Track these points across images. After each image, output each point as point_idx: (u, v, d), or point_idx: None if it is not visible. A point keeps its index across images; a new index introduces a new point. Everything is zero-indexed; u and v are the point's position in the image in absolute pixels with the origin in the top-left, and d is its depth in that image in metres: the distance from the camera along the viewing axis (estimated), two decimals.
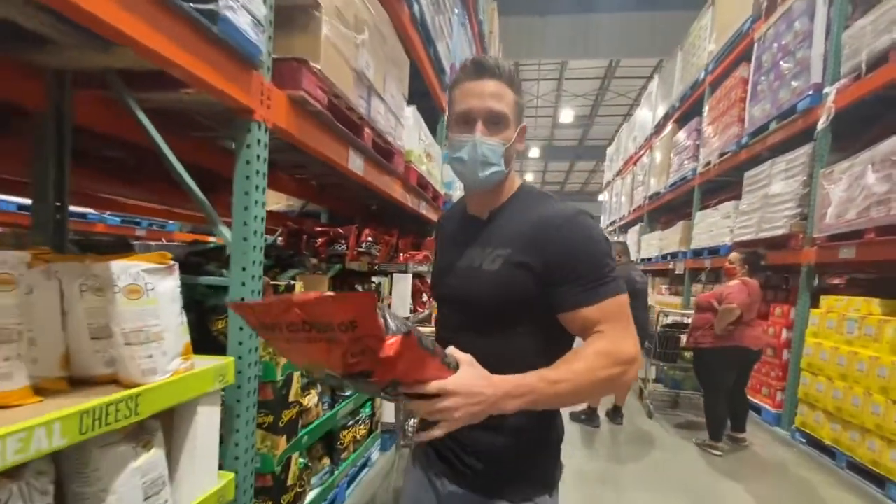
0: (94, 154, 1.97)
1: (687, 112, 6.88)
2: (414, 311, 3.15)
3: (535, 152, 16.87)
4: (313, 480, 1.97)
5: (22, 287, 0.96)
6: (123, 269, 1.06)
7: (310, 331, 0.62)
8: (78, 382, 1.07)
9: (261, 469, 1.54)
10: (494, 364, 0.75)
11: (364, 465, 2.53)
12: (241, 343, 1.34)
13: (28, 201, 3.70)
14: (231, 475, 1.31)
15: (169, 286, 1.14)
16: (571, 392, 0.77)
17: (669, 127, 7.46)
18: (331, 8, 1.54)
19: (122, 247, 2.02)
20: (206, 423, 1.23)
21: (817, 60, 3.69)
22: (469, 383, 0.69)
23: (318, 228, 2.74)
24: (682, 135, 6.83)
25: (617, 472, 2.96)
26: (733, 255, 3.47)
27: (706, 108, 5.94)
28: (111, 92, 1.34)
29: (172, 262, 1.15)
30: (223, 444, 1.34)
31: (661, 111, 8.11)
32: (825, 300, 3.54)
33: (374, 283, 2.69)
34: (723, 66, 5.50)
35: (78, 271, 1.08)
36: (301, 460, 1.79)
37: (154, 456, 1.08)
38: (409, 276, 2.88)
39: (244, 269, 1.33)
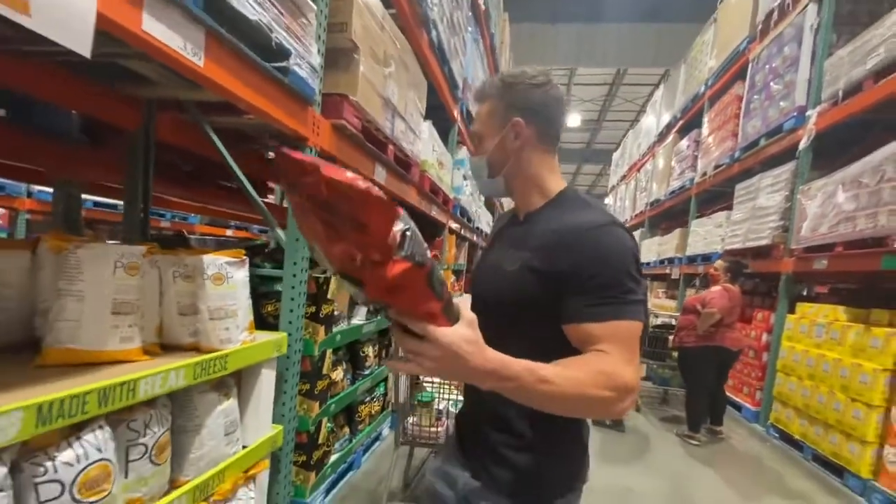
0: (160, 161, 2.32)
1: (688, 123, 7.15)
2: None
3: None
4: (336, 445, 2.31)
5: (139, 272, 1.29)
6: (212, 261, 1.40)
7: (323, 210, 0.56)
8: (167, 348, 1.40)
9: (299, 428, 1.88)
10: None
11: (377, 439, 2.87)
12: (290, 322, 1.67)
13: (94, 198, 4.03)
14: (280, 427, 1.65)
15: (242, 275, 1.48)
16: (555, 398, 0.70)
17: (671, 136, 7.73)
18: (366, 49, 1.86)
19: (181, 240, 2.37)
20: (267, 383, 1.57)
21: (802, 84, 3.97)
22: (457, 343, 0.63)
23: None
24: (682, 144, 7.11)
25: (604, 457, 3.27)
26: (718, 263, 3.77)
27: (705, 121, 6.22)
28: (188, 116, 1.67)
29: (245, 257, 1.48)
30: (273, 404, 1.67)
31: (664, 120, 8.37)
32: (800, 307, 3.84)
33: None
34: (721, 81, 5.77)
35: (172, 261, 1.41)
36: (328, 425, 2.13)
37: (232, 404, 1.42)
38: None
39: (295, 263, 1.66)
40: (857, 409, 2.96)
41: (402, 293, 0.60)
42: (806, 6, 3.97)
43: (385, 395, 2.91)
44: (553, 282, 0.81)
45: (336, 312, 2.10)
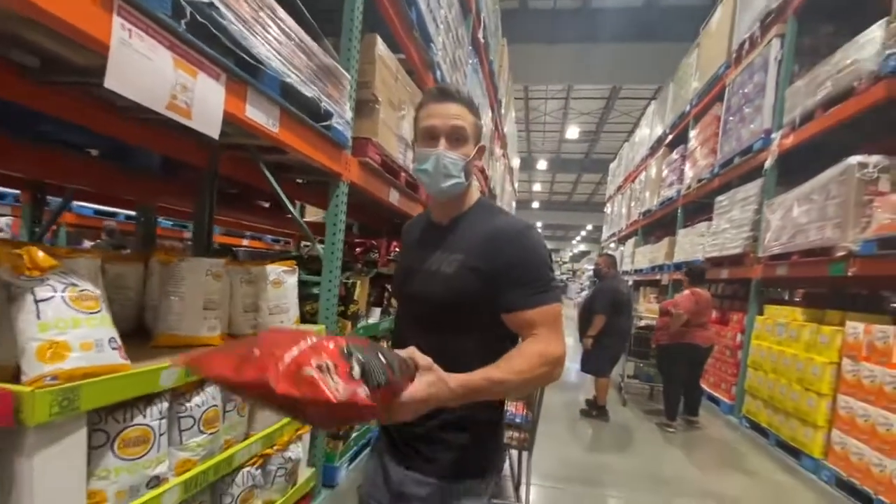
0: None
1: (676, 138, 7.61)
2: None
3: (542, 164, 17.65)
4: (357, 424, 2.74)
5: (222, 279, 1.74)
6: (273, 270, 1.85)
7: (280, 404, 0.63)
8: (234, 337, 1.84)
9: None
10: (442, 359, 0.78)
11: None
12: (327, 318, 2.12)
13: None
14: None
15: (293, 280, 1.93)
16: (510, 389, 0.86)
17: (662, 150, 8.18)
18: (385, 99, 2.33)
19: (228, 252, 2.83)
20: None
21: (768, 110, 4.42)
22: (423, 392, 0.73)
23: (357, 239, 3.53)
24: (671, 158, 7.56)
25: (590, 441, 3.69)
26: (685, 271, 4.24)
27: (691, 137, 6.67)
28: (246, 154, 2.13)
29: (296, 266, 1.94)
30: None
31: (656, 134, 8.83)
32: (767, 309, 4.26)
33: None
34: (703, 102, 6.23)
35: (240, 270, 1.86)
36: None
37: None
38: None
39: (331, 271, 2.11)
40: (810, 398, 3.38)
41: (378, 409, 0.68)
42: (771, 40, 4.44)
43: None
44: (490, 278, 0.94)
45: (359, 312, 2.55)
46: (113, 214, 5.48)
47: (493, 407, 1.02)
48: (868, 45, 3.16)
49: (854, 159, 3.15)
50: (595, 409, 4.26)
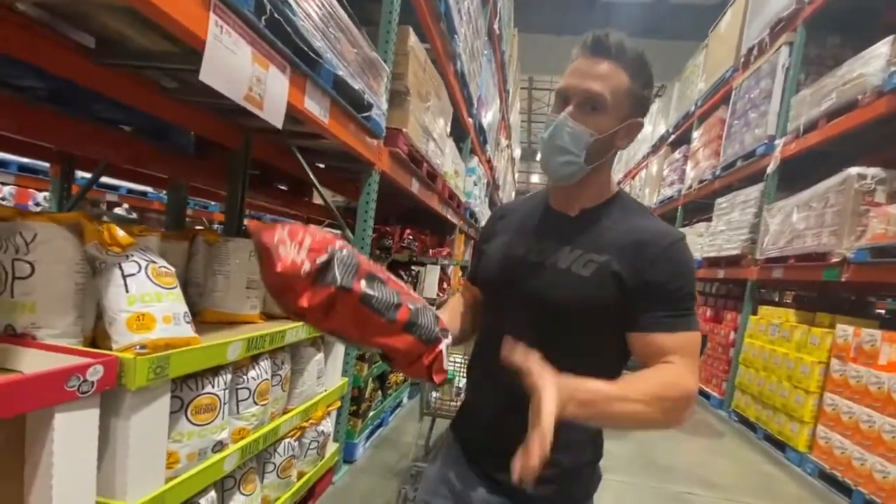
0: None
1: (679, 137, 7.72)
2: (438, 295, 4.03)
3: None
4: (372, 404, 2.86)
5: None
6: None
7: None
8: (269, 316, 1.91)
9: (353, 383, 2.42)
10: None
11: (399, 405, 3.43)
12: None
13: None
14: (346, 379, 2.20)
15: None
16: (624, 417, 0.68)
17: (664, 148, 8.30)
18: (415, 92, 2.39)
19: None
20: (340, 345, 2.11)
21: (773, 116, 4.53)
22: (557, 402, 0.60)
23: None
24: (673, 157, 7.68)
25: None
26: None
27: (694, 137, 6.78)
28: (276, 136, 2.19)
29: None
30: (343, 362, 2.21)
31: (659, 132, 8.94)
32: (761, 310, 4.43)
33: (414, 270, 3.56)
34: (708, 104, 6.34)
35: None
36: (371, 385, 2.68)
37: (321, 356, 1.96)
38: (438, 267, 3.75)
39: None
40: (798, 395, 3.56)
41: (340, 319, 0.64)
42: (779, 47, 4.53)
43: None
44: (632, 290, 0.79)
45: None
46: (115, 188, 5.49)
47: (598, 447, 0.95)
48: (874, 60, 3.27)
49: (853, 170, 3.28)
50: None
